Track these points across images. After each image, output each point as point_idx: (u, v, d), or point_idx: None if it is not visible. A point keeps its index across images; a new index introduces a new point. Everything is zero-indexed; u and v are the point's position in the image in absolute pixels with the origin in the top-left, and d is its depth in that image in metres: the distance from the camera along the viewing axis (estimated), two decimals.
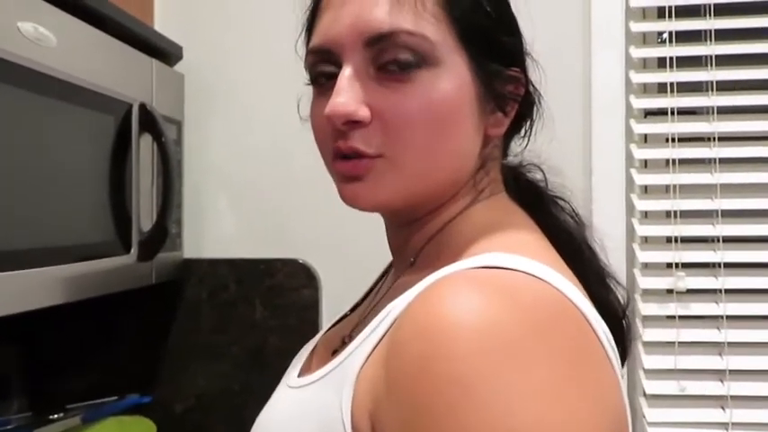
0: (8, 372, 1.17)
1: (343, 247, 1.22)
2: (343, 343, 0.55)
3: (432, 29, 0.51)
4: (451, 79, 0.51)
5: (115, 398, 1.13)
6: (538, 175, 0.63)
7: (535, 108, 0.60)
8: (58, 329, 1.23)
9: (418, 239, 0.57)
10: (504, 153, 0.61)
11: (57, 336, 1.24)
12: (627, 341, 0.59)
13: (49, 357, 1.24)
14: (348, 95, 0.51)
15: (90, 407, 1.07)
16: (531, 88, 0.58)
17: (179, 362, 1.23)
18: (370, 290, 0.73)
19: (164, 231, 1.04)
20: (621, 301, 0.60)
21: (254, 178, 1.25)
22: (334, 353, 0.54)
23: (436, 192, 0.55)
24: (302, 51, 0.60)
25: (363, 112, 0.51)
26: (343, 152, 0.52)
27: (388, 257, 0.74)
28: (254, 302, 1.22)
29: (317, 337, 0.69)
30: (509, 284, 0.45)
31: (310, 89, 0.59)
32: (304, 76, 0.55)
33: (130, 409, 1.14)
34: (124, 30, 1.00)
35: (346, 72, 0.52)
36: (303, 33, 0.60)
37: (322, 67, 0.55)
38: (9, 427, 1.00)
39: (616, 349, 0.51)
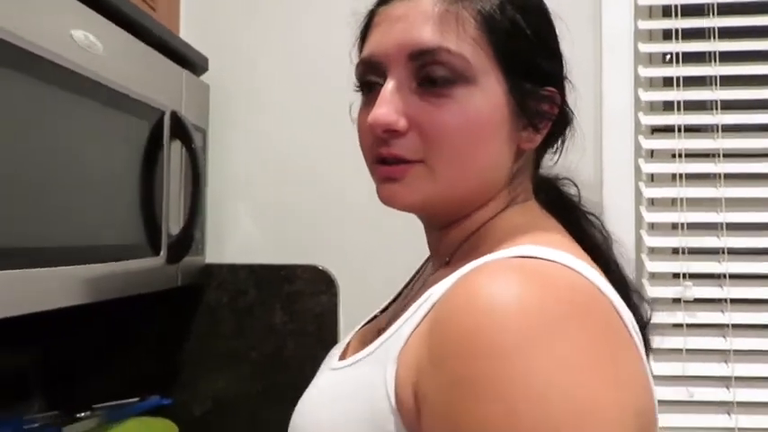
0: (29, 372, 1.19)
1: (360, 253, 1.26)
2: (381, 330, 0.58)
3: (470, 50, 0.55)
4: (486, 97, 0.56)
5: (137, 399, 1.15)
6: (572, 190, 0.67)
7: (568, 127, 0.64)
8: (78, 330, 1.25)
9: (453, 240, 0.61)
10: (537, 165, 0.65)
11: (77, 337, 1.26)
12: (648, 351, 0.62)
13: (69, 358, 1.26)
14: (389, 107, 0.55)
15: (114, 407, 1.09)
16: (565, 108, 0.62)
17: (198, 365, 1.26)
18: (402, 290, 0.76)
19: (191, 235, 1.07)
20: (644, 315, 0.62)
21: (274, 186, 1.29)
22: (375, 337, 0.57)
23: (468, 198, 0.59)
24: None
25: (402, 123, 0.56)
26: (385, 158, 0.57)
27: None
28: (273, 307, 1.25)
29: (350, 334, 0.73)
30: (544, 271, 0.49)
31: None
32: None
33: (151, 410, 1.16)
34: (160, 41, 1.04)
35: (389, 85, 0.57)
36: (356, 44, 0.64)
37: (369, 77, 0.60)
38: (36, 425, 1.02)
39: (641, 337, 0.55)
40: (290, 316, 1.25)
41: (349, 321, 1.24)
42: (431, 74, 0.55)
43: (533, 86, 0.58)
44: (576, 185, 0.67)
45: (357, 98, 0.64)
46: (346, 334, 1.20)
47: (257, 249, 1.28)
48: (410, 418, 0.48)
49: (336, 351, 0.68)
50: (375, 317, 0.74)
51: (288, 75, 1.30)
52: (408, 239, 1.15)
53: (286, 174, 1.29)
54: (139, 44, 0.97)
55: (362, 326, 0.72)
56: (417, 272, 0.77)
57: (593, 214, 0.66)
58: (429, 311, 0.51)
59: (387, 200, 0.59)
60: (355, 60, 0.63)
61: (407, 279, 0.79)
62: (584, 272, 0.50)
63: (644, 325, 0.59)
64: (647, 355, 0.55)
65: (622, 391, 0.45)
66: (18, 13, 0.69)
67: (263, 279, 1.26)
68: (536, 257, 0.50)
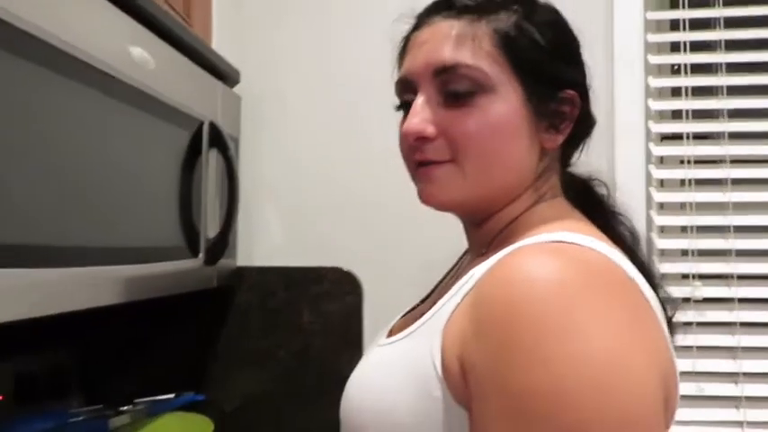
0: (69, 368, 1.24)
1: (384, 256, 1.32)
2: (423, 314, 0.64)
3: (487, 63, 0.63)
4: (505, 103, 0.63)
5: (173, 395, 1.20)
6: (602, 190, 0.73)
7: (591, 126, 0.71)
8: (115, 329, 1.31)
9: (488, 233, 0.68)
10: (564, 164, 0.72)
11: (114, 335, 1.32)
12: (672, 331, 0.68)
13: (106, 355, 1.32)
14: (419, 117, 0.64)
15: (152, 402, 1.15)
16: (587, 109, 0.69)
17: (230, 363, 1.31)
18: (440, 283, 0.82)
19: (227, 238, 1.13)
20: (667, 309, 0.67)
21: (302, 192, 1.35)
22: (418, 319, 0.64)
23: (497, 195, 0.66)
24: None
25: (430, 130, 0.64)
26: (419, 161, 0.66)
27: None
28: (300, 308, 1.31)
29: (393, 321, 0.79)
30: (576, 252, 0.56)
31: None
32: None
33: (186, 405, 1.21)
34: (199, 54, 1.10)
35: (419, 99, 0.65)
36: (395, 68, 0.72)
37: (405, 96, 0.69)
38: (81, 418, 1.07)
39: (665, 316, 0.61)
40: (317, 316, 1.31)
41: (373, 321, 1.30)
42: (453, 86, 0.63)
43: (551, 91, 0.65)
44: (606, 185, 0.73)
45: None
46: (372, 333, 1.28)
47: (285, 252, 1.34)
48: (456, 384, 0.54)
49: (383, 332, 0.74)
50: (415, 307, 0.80)
51: (314, 85, 1.36)
52: (429, 242, 1.22)
53: (313, 180, 1.35)
54: (183, 58, 1.03)
55: (404, 315, 0.79)
56: (454, 266, 0.83)
57: (622, 214, 0.72)
58: (470, 290, 0.58)
59: (426, 200, 0.67)
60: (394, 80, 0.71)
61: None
62: (613, 257, 0.57)
63: (668, 318, 0.65)
64: (672, 334, 0.62)
65: (650, 356, 0.52)
66: (82, 30, 0.75)
67: (290, 281, 1.32)
68: (569, 242, 0.57)
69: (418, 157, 0.65)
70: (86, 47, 0.75)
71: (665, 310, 0.63)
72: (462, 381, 0.53)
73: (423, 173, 0.66)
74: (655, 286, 0.62)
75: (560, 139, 0.67)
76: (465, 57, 0.63)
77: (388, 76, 0.72)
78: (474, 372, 0.52)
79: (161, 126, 0.97)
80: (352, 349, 1.30)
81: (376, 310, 1.30)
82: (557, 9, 0.70)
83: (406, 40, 0.70)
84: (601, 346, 0.49)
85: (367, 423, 0.61)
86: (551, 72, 0.65)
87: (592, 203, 0.71)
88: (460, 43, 0.63)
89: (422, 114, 0.64)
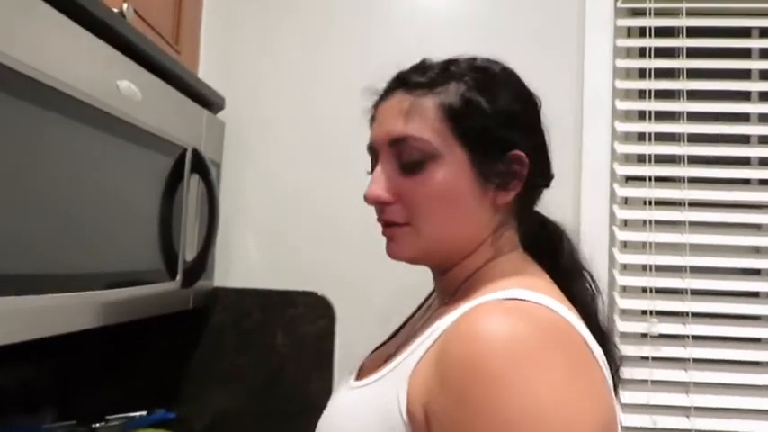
0: (41, 384, 1.27)
1: (357, 282, 1.36)
2: (391, 356, 0.70)
3: (431, 133, 0.70)
4: (450, 169, 0.70)
5: (145, 412, 1.23)
6: (566, 244, 0.77)
7: (545, 180, 0.76)
8: (89, 346, 1.33)
9: (452, 283, 0.74)
10: (522, 218, 0.76)
11: (88, 352, 1.34)
12: (617, 387, 0.71)
13: (80, 372, 1.34)
14: (378, 185, 0.72)
15: (124, 419, 1.18)
16: (539, 166, 0.74)
17: (203, 382, 1.35)
18: (407, 320, 0.88)
19: (205, 261, 1.17)
20: (616, 360, 0.73)
21: (280, 217, 1.39)
22: (386, 361, 0.69)
23: (453, 251, 0.73)
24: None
25: (386, 196, 0.71)
26: (382, 221, 0.73)
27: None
28: (274, 330, 1.35)
29: (363, 359, 0.83)
30: (528, 310, 0.61)
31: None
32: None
33: (157, 423, 1.24)
34: (186, 84, 1.14)
35: (378, 168, 0.73)
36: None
37: (372, 159, 0.76)
38: None
39: (610, 372, 0.66)
40: (290, 338, 1.35)
41: (345, 344, 1.34)
42: (405, 156, 0.71)
43: (497, 153, 0.70)
44: (568, 239, 0.78)
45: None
46: (343, 356, 1.31)
47: (261, 275, 1.38)
48: (419, 429, 0.59)
49: (352, 373, 0.79)
50: (384, 343, 0.85)
51: (296, 112, 1.41)
52: (402, 270, 1.26)
53: (291, 205, 1.39)
54: (169, 88, 1.07)
55: (373, 351, 0.83)
56: (422, 304, 0.89)
57: (585, 270, 0.76)
58: (434, 342, 0.63)
59: (389, 255, 0.75)
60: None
61: (401, 306, 0.92)
62: (562, 312, 0.62)
63: (615, 368, 0.71)
64: (616, 389, 0.67)
65: (595, 407, 0.57)
66: (72, 66, 0.78)
67: (265, 303, 1.36)
68: (522, 299, 0.62)
69: (380, 218, 0.73)
70: (76, 83, 0.79)
71: (612, 365, 0.68)
72: (426, 427, 0.58)
73: (385, 232, 0.74)
74: (605, 343, 0.67)
75: (510, 195, 0.72)
76: (412, 129, 0.70)
77: (367, 107, 0.78)
78: (436, 421, 0.57)
79: (145, 154, 1.00)
80: (322, 371, 1.34)
81: (348, 334, 1.35)
82: (513, 73, 0.75)
83: (374, 110, 0.77)
84: (549, 398, 0.54)
85: None
86: (497, 136, 0.70)
87: (552, 257, 0.76)
88: (409, 116, 0.70)
89: (379, 182, 0.72)
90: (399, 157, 0.71)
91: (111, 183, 0.90)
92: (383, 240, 0.75)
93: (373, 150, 0.75)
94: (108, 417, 1.16)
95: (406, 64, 0.77)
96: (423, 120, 0.69)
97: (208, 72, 1.40)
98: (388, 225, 0.73)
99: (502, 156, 0.70)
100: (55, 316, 0.79)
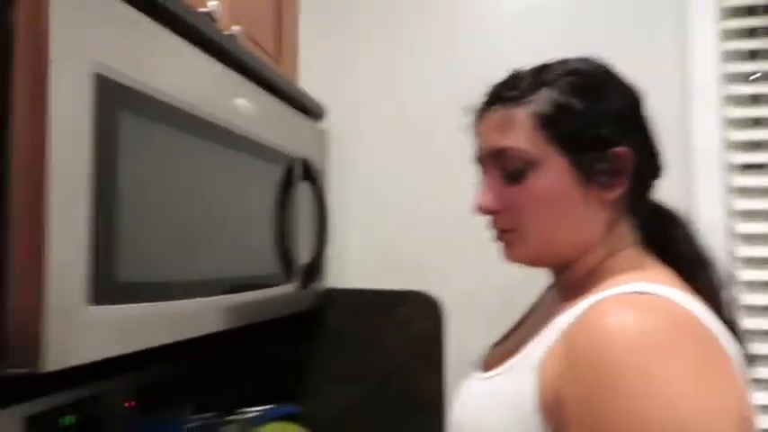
0: (182, 381, 1.37)
1: (463, 281, 1.38)
2: (514, 350, 0.73)
3: (527, 142, 0.72)
4: (551, 175, 0.71)
5: (274, 405, 1.31)
6: (686, 237, 0.76)
7: (654, 172, 0.76)
8: (220, 346, 1.43)
9: (571, 280, 0.75)
10: (635, 209, 0.76)
11: (219, 352, 1.44)
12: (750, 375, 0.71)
13: (212, 370, 1.44)
14: (485, 196, 0.76)
15: (255, 412, 1.26)
16: (645, 159, 0.74)
17: (321, 379, 1.41)
18: (526, 316, 0.91)
19: (319, 263, 1.23)
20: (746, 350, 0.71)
21: (386, 219, 1.44)
22: (511, 354, 0.72)
23: (564, 252, 0.75)
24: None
25: (493, 206, 0.75)
26: (493, 230, 0.77)
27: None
28: (385, 330, 1.39)
29: (485, 353, 0.86)
30: (655, 303, 0.62)
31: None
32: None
33: (284, 416, 1.31)
34: (290, 96, 1.21)
35: (484, 180, 0.77)
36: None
37: (479, 171, 0.79)
38: (196, 424, 1.19)
39: (743, 367, 0.65)
40: (401, 338, 1.38)
41: (455, 343, 1.37)
42: (506, 166, 0.74)
43: (598, 152, 0.71)
44: (686, 226, 0.77)
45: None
46: (455, 356, 1.34)
47: (369, 277, 1.43)
48: (551, 418, 0.62)
49: (476, 366, 0.83)
50: (505, 338, 0.88)
51: (394, 118, 1.45)
52: (512, 271, 1.27)
53: (395, 208, 1.43)
54: (277, 102, 1.13)
55: (494, 346, 0.87)
56: (539, 300, 0.91)
57: (710, 259, 0.75)
58: (560, 335, 0.65)
59: (504, 257, 0.78)
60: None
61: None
62: (688, 305, 0.63)
63: (747, 358, 0.69)
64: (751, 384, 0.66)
65: (727, 401, 0.57)
66: (194, 87, 0.85)
67: (376, 303, 1.40)
68: (648, 293, 0.63)
69: (491, 226, 0.77)
70: (198, 102, 0.86)
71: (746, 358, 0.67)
72: (557, 415, 0.61)
73: (497, 237, 0.78)
74: (734, 334, 0.66)
75: (617, 192, 0.72)
76: (509, 141, 0.73)
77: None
78: (568, 409, 0.60)
79: (259, 165, 1.07)
80: (433, 370, 1.37)
81: (458, 333, 1.37)
82: (606, 70, 0.75)
83: (475, 126, 0.80)
84: (680, 390, 0.55)
85: None
86: (594, 136, 0.71)
87: (672, 247, 0.75)
88: (505, 129, 0.73)
89: (486, 193, 0.76)
90: (502, 167, 0.74)
91: (231, 193, 0.97)
92: (488, 239, 0.79)
93: (479, 162, 0.79)
94: (239, 410, 1.24)
95: (505, 66, 0.79)
96: (518, 131, 0.72)
97: (308, 83, 1.46)
98: (501, 231, 0.77)
99: (602, 154, 0.71)
100: (187, 320, 0.85)
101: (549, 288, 0.88)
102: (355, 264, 1.44)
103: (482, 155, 0.77)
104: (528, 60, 0.78)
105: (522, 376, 0.67)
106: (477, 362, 0.83)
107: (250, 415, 1.21)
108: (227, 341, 1.43)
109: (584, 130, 0.71)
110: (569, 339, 0.63)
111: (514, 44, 1.39)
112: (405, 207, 1.43)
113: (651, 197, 0.78)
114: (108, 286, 0.66)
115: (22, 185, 0.58)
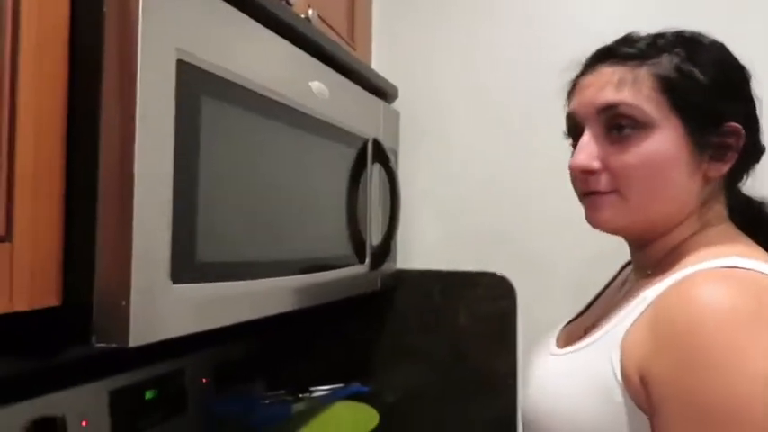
0: (255, 358, 1.41)
1: (535, 261, 1.36)
2: (589, 327, 0.72)
3: (647, 102, 0.68)
4: (664, 140, 0.68)
5: (342, 385, 1.33)
6: None
7: (757, 154, 0.73)
8: (290, 326, 1.47)
9: (653, 256, 0.73)
10: (731, 191, 0.74)
11: (289, 331, 1.48)
12: None
13: (283, 350, 1.48)
14: (585, 153, 0.71)
15: (325, 390, 1.29)
16: (753, 139, 0.71)
17: (390, 359, 1.43)
18: (599, 295, 0.89)
19: (390, 244, 1.23)
20: None
21: (457, 200, 1.42)
22: (588, 332, 0.71)
23: (659, 222, 0.71)
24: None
25: (595, 165, 0.71)
26: (586, 191, 0.73)
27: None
28: (456, 310, 1.39)
29: (556, 331, 0.85)
30: (750, 278, 0.61)
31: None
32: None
33: (353, 395, 1.34)
34: (365, 78, 1.21)
35: (585, 136, 0.72)
36: (565, 104, 0.79)
37: (573, 132, 0.76)
38: (267, 401, 1.23)
39: None
40: (472, 318, 1.38)
41: (525, 324, 1.35)
42: (615, 124, 0.69)
43: (713, 125, 0.69)
44: None
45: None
46: (526, 338, 1.32)
47: (441, 257, 1.42)
48: (636, 391, 0.61)
49: (548, 343, 0.81)
50: (578, 316, 0.87)
51: (468, 97, 1.42)
52: (586, 253, 1.24)
53: (466, 188, 1.42)
54: (350, 84, 1.14)
55: (567, 324, 0.86)
56: (612, 279, 0.89)
57: None
58: (645, 311, 0.64)
59: (593, 224, 0.74)
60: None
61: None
62: None
63: None
64: None
65: None
66: (271, 70, 0.87)
67: (447, 284, 1.40)
68: (742, 267, 0.61)
69: (585, 187, 0.73)
70: (275, 86, 0.87)
71: None
72: (642, 389, 0.60)
73: (589, 201, 0.73)
74: None
75: (724, 168, 0.70)
76: (626, 97, 0.69)
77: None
78: (655, 383, 0.59)
79: (332, 147, 1.08)
80: (505, 351, 1.36)
81: (527, 313, 1.35)
82: (722, 45, 0.72)
83: (573, 84, 0.77)
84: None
85: (555, 426, 0.69)
86: (713, 108, 0.68)
87: (765, 229, 0.73)
88: (622, 86, 0.69)
89: (587, 150, 0.71)
90: (609, 124, 0.70)
91: (305, 175, 0.98)
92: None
93: (574, 121, 0.75)
94: (311, 388, 1.27)
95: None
96: (637, 89, 0.69)
97: (380, 64, 1.46)
98: (591, 194, 0.72)
99: (717, 127, 0.69)
100: (262, 299, 0.87)
101: (625, 267, 0.87)
102: (426, 245, 1.44)
103: (584, 111, 0.73)
104: (615, 31, 0.76)
105: (604, 351, 0.66)
106: (550, 340, 0.82)
107: (320, 393, 1.24)
108: (299, 320, 1.46)
109: (704, 101, 0.69)
110: (658, 313, 0.62)
111: (597, 14, 1.34)
112: (476, 187, 1.41)
113: (745, 181, 0.75)
114: (189, 266, 0.68)
115: (112, 170, 0.60)
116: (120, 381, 1.00)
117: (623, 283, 0.83)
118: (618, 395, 0.63)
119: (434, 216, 1.44)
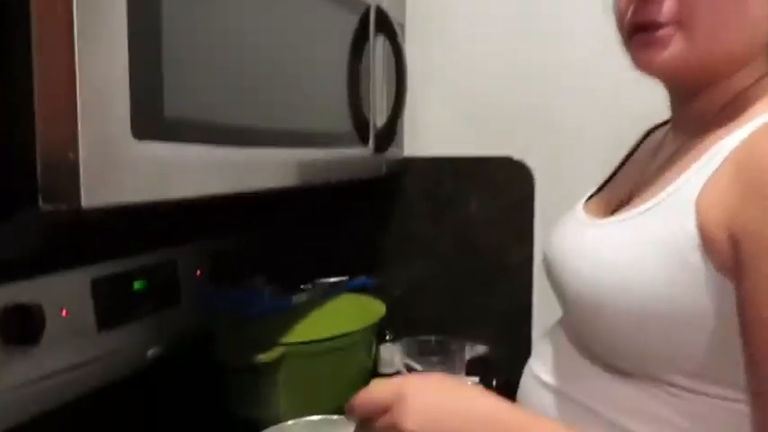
0: (254, 250, 1.34)
1: (558, 147, 1.25)
2: (629, 196, 0.65)
3: None
4: None
5: (347, 277, 1.26)
6: None
7: None
8: (290, 216, 1.39)
9: (711, 108, 0.63)
10: None
11: (289, 222, 1.40)
12: None
13: (282, 241, 1.40)
14: None
15: (329, 283, 1.22)
16: None
17: (398, 250, 1.35)
18: (620, 166, 0.80)
19: (395, 126, 1.12)
20: None
21: (469, 79, 1.30)
22: (624, 204, 0.64)
23: (726, 60, 0.60)
24: None
25: None
26: (639, 23, 0.60)
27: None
28: (468, 198, 1.30)
29: (579, 204, 0.76)
30: None
31: None
32: None
33: (358, 288, 1.27)
34: None
35: None
36: None
37: None
38: (267, 293, 1.15)
39: None
40: (486, 206, 1.29)
41: (544, 211, 1.26)
42: None
43: None
44: None
45: None
46: (545, 226, 1.23)
47: (453, 141, 1.31)
48: (719, 251, 0.54)
49: (573, 217, 0.73)
50: (599, 190, 0.79)
51: None
52: (607, 135, 1.13)
53: (482, 67, 1.29)
54: None
55: (588, 198, 0.78)
56: (632, 152, 0.81)
57: None
58: (723, 163, 0.56)
59: (644, 66, 0.63)
60: None
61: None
62: None
63: None
64: None
65: None
66: None
67: (458, 170, 1.30)
68: None
69: (639, 17, 0.60)
70: None
71: None
72: (729, 248, 0.53)
73: (641, 38, 0.61)
74: None
75: None
76: None
77: None
78: (747, 235, 0.51)
79: (329, 11, 0.95)
80: (521, 239, 1.27)
81: (546, 199, 1.25)
82: None
83: None
84: None
85: (604, 300, 0.60)
86: None
87: None
88: None
89: None
90: None
91: (297, 39, 0.87)
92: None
93: None
94: (314, 281, 1.20)
95: None
96: None
97: None
98: (643, 30, 0.61)
99: None
100: (243, 170, 0.77)
101: (647, 136, 0.79)
102: (435, 128, 1.32)
103: None
104: None
105: (672, 213, 0.57)
106: (576, 214, 0.74)
107: (321, 286, 1.17)
108: (299, 214, 1.38)
109: None
110: (743, 163, 0.54)
111: None
112: (492, 65, 1.28)
113: None
114: (154, 120, 0.58)
115: None
116: (106, 269, 0.92)
117: (657, 149, 0.73)
118: (694, 258, 0.55)
119: (444, 97, 1.32)
